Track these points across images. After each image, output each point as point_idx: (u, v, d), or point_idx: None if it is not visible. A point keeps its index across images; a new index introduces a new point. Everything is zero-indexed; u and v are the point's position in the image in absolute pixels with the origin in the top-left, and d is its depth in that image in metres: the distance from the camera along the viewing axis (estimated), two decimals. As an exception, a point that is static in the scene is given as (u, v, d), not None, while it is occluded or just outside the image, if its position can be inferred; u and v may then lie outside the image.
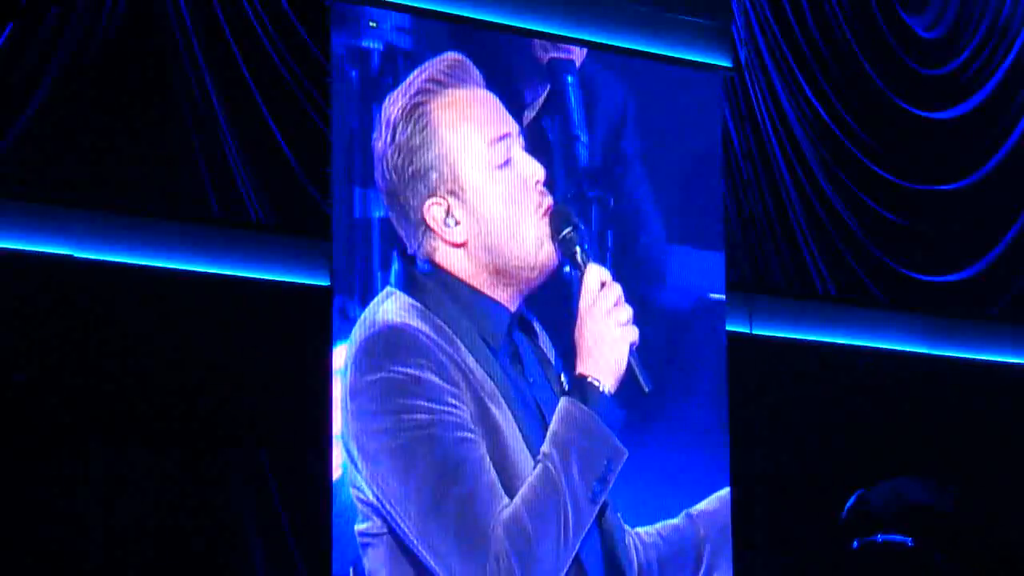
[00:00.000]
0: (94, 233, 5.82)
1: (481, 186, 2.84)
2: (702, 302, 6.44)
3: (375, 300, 2.87)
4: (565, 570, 2.80)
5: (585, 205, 6.12)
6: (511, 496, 2.75)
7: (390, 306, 2.83)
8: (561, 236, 2.86)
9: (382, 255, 5.93)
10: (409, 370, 2.72)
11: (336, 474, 5.72)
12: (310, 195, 6.02)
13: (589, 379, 2.80)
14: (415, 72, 2.93)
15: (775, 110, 7.02)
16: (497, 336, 2.88)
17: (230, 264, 6.01)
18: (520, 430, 2.84)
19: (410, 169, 2.85)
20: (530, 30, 6.17)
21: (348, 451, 2.81)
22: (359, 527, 2.85)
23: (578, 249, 2.87)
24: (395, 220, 2.92)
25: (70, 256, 5.76)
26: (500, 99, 2.96)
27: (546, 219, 2.86)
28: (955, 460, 7.27)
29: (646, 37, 6.52)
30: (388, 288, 2.88)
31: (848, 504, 7.00)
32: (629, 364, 2.80)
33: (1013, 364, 7.53)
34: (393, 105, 2.90)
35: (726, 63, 6.80)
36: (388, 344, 2.76)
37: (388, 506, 2.76)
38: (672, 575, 3.08)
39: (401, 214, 2.89)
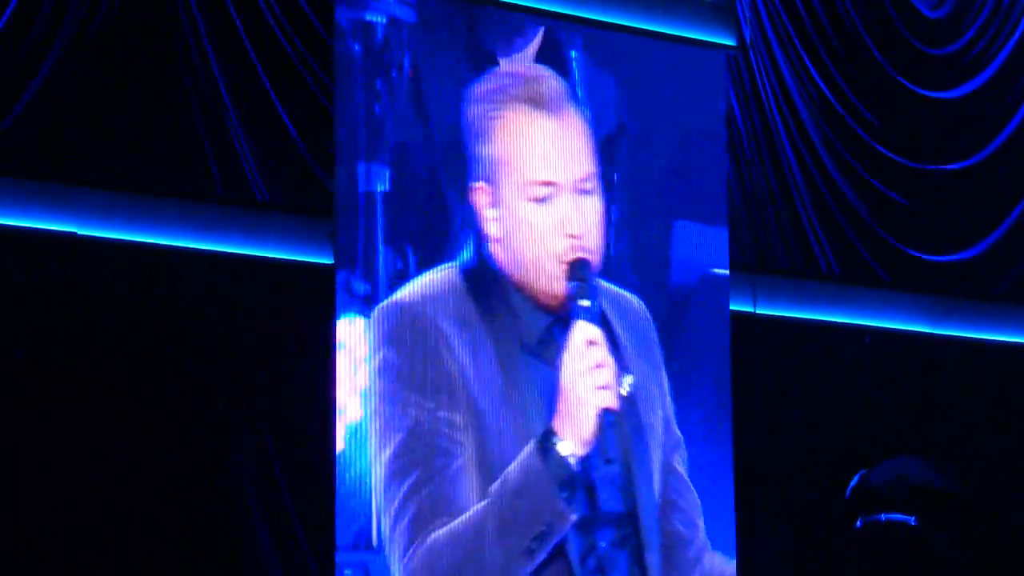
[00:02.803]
0: (97, 211, 5.82)
1: (515, 207, 2.88)
2: (706, 277, 6.43)
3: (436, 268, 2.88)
4: None
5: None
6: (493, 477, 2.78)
7: (423, 279, 2.84)
8: (571, 285, 2.89)
9: (386, 230, 5.92)
10: (401, 359, 2.76)
11: (339, 447, 5.73)
12: (314, 172, 6.01)
13: (555, 438, 2.81)
14: (520, 59, 2.94)
15: (779, 89, 7.02)
16: (532, 333, 2.90)
17: (234, 242, 6.01)
18: (523, 426, 2.85)
19: (471, 143, 2.89)
20: (533, 8, 6.15)
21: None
22: None
23: (580, 308, 2.89)
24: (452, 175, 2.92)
25: (73, 234, 5.76)
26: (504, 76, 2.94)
27: (565, 266, 2.89)
28: (958, 440, 7.28)
29: (650, 15, 6.52)
30: (452, 264, 2.89)
31: (851, 484, 7.00)
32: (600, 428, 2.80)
33: (1017, 344, 7.54)
34: (489, 80, 2.91)
35: (730, 42, 6.79)
36: (391, 324, 2.79)
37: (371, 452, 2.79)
38: None
39: (457, 172, 2.91)
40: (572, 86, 6.11)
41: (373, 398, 2.88)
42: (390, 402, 2.85)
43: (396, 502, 2.79)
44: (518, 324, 2.91)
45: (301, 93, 6.03)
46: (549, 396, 2.90)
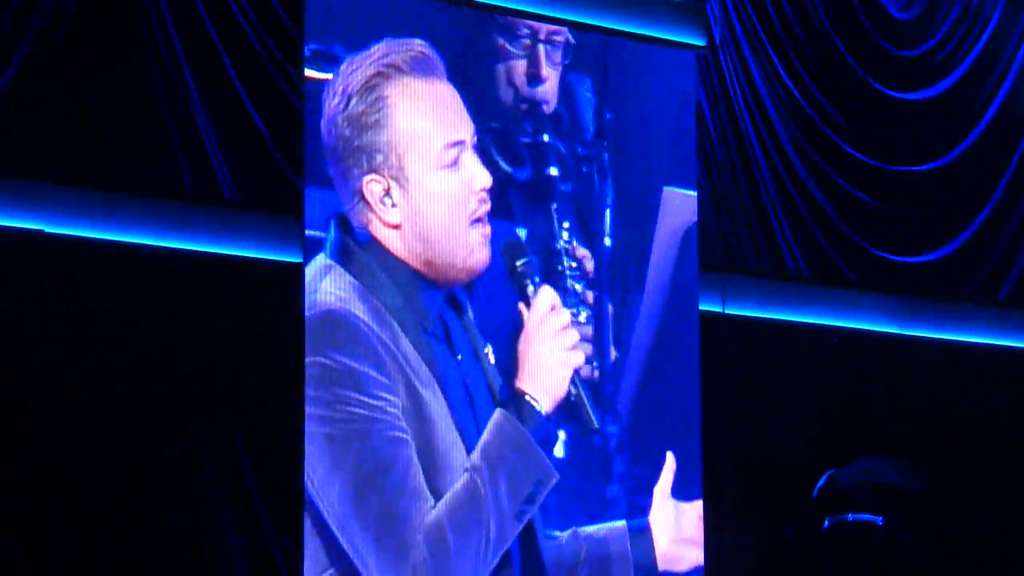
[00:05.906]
0: (66, 209, 5.80)
1: (424, 181, 2.88)
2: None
3: (311, 273, 2.86)
4: None
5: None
6: (436, 492, 2.76)
7: (329, 286, 2.84)
8: (516, 266, 2.90)
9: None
10: (347, 361, 2.75)
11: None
12: (283, 172, 5.99)
13: (527, 397, 2.82)
14: (378, 47, 2.92)
15: (749, 90, 7.03)
16: (430, 316, 2.90)
17: (203, 241, 6.00)
18: (452, 417, 2.85)
19: (356, 142, 2.88)
20: (506, 8, 6.15)
21: None
22: None
23: (529, 284, 2.91)
24: (334, 180, 2.93)
25: (41, 232, 5.74)
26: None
27: (478, 226, 2.89)
28: (926, 440, 7.31)
29: (621, 15, 6.53)
30: (323, 258, 2.88)
31: (819, 483, 7.02)
32: (570, 393, 2.82)
33: (984, 344, 7.56)
34: (352, 75, 2.90)
35: (700, 42, 6.80)
36: (328, 330, 2.78)
37: (312, 485, 2.77)
38: None
39: (341, 177, 2.90)
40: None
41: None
42: (331, 412, 2.81)
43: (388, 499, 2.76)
44: (415, 308, 2.92)
45: (271, 92, 6.01)
46: (455, 378, 2.92)
